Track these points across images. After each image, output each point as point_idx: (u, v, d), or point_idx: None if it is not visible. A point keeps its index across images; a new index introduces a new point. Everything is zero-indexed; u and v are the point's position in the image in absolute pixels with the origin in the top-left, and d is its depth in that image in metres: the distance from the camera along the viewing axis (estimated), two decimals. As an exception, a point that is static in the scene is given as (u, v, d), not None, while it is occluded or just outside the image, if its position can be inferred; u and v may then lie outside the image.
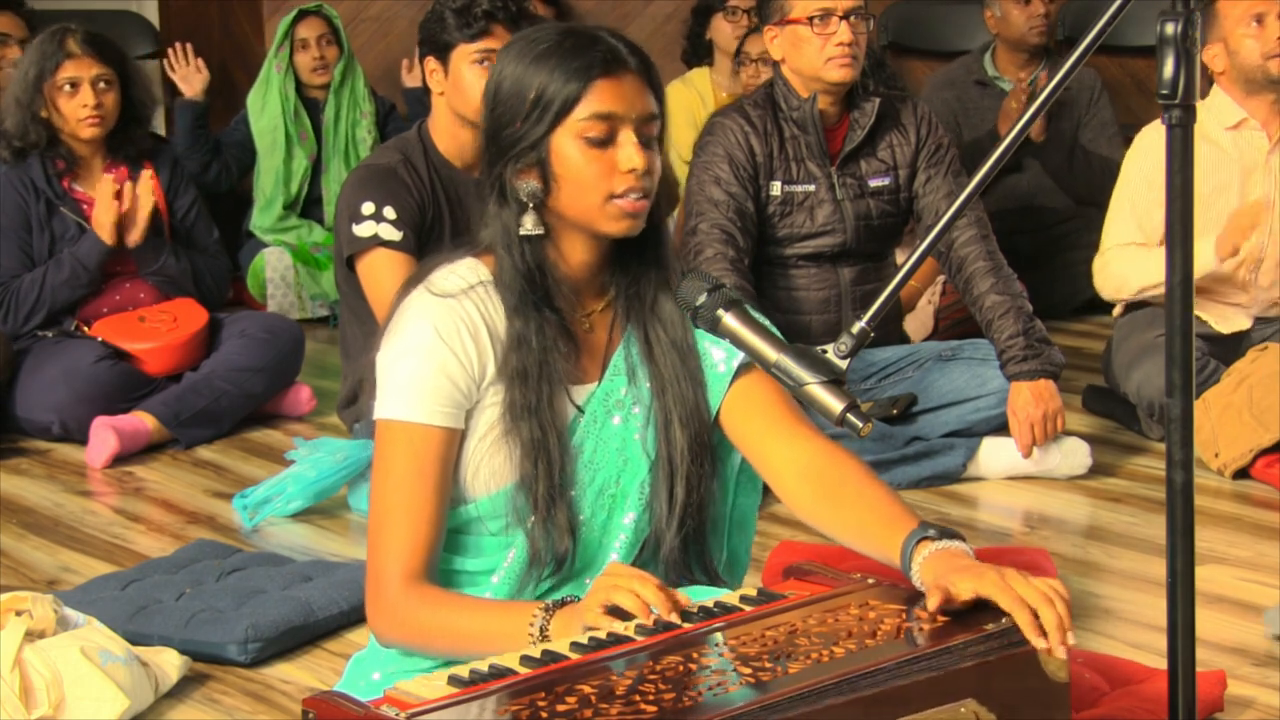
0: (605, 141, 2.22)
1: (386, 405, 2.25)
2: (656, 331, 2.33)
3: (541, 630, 2.11)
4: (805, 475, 2.27)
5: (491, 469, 2.28)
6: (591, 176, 2.22)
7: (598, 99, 2.21)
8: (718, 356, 2.34)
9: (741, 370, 2.34)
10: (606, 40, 2.24)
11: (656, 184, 2.25)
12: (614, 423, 2.33)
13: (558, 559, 2.28)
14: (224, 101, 6.62)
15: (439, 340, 2.23)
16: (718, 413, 2.34)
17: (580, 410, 2.31)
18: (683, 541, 2.33)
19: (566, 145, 2.22)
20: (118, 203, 4.58)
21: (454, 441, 2.26)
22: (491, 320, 2.27)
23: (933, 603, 2.02)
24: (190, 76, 6.28)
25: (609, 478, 2.33)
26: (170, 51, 6.35)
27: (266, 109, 6.22)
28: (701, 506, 2.34)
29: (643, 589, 2.05)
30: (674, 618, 2.04)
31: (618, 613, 2.05)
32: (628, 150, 2.22)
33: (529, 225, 2.24)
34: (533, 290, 2.26)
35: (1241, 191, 4.36)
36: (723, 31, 6.35)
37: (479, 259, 2.31)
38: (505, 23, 3.95)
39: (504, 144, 2.25)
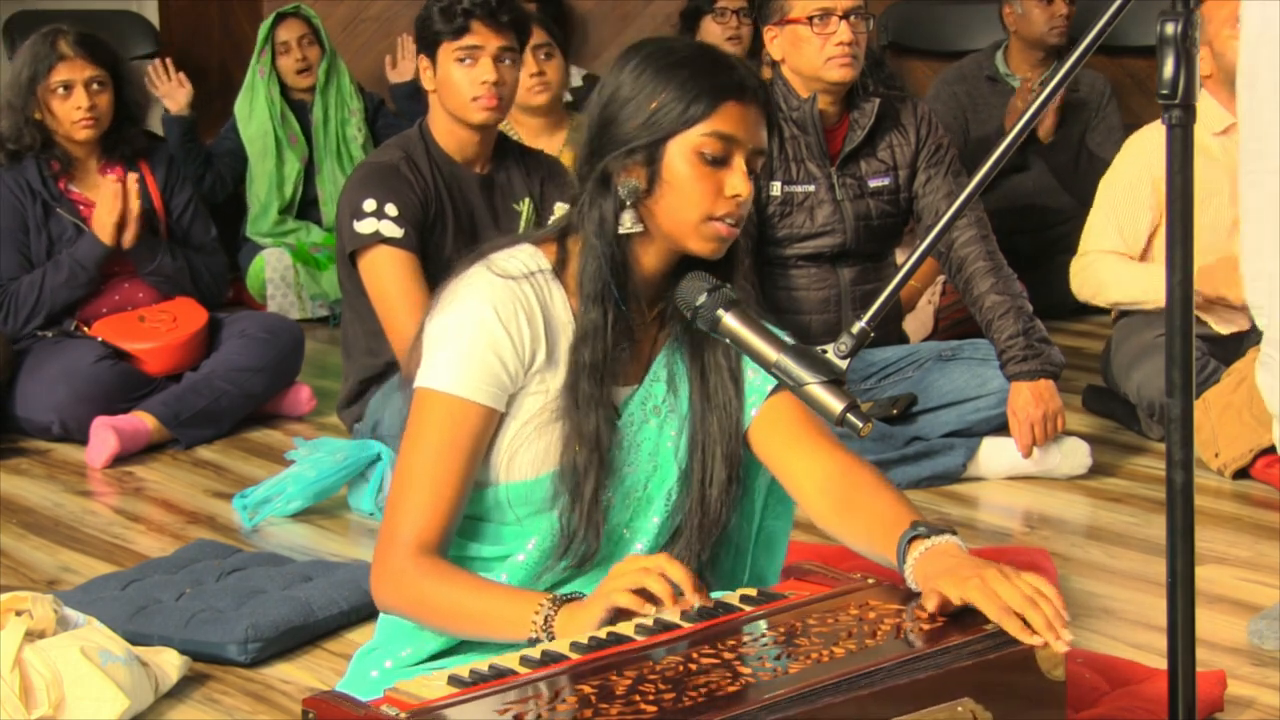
0: (718, 162, 2.23)
1: (431, 375, 2.25)
2: (716, 359, 2.35)
3: (546, 621, 2.11)
4: (822, 488, 2.28)
5: (531, 455, 2.28)
6: (697, 193, 2.23)
7: (723, 119, 2.22)
8: (751, 373, 2.35)
9: (775, 388, 2.34)
10: (741, 68, 2.27)
11: (747, 215, 2.27)
12: (649, 425, 2.34)
13: (581, 554, 2.28)
14: (223, 103, 6.59)
15: (496, 319, 2.24)
16: (747, 429, 2.35)
17: (617, 412, 2.32)
18: (707, 559, 2.35)
19: (680, 156, 2.23)
20: (119, 203, 4.57)
21: (491, 422, 2.26)
22: (548, 308, 2.28)
23: (930, 606, 2.03)
24: (174, 92, 6.21)
25: (637, 481, 2.34)
26: (151, 69, 6.25)
27: (254, 115, 6.18)
28: (725, 527, 2.35)
29: (669, 567, 2.08)
30: (698, 598, 2.07)
31: (644, 595, 2.07)
32: (737, 176, 2.24)
33: (628, 223, 2.25)
34: (616, 284, 2.26)
35: (1233, 197, 4.33)
36: (712, 33, 6.33)
37: (539, 247, 2.32)
38: (485, 19, 3.94)
39: (616, 138, 2.25)
